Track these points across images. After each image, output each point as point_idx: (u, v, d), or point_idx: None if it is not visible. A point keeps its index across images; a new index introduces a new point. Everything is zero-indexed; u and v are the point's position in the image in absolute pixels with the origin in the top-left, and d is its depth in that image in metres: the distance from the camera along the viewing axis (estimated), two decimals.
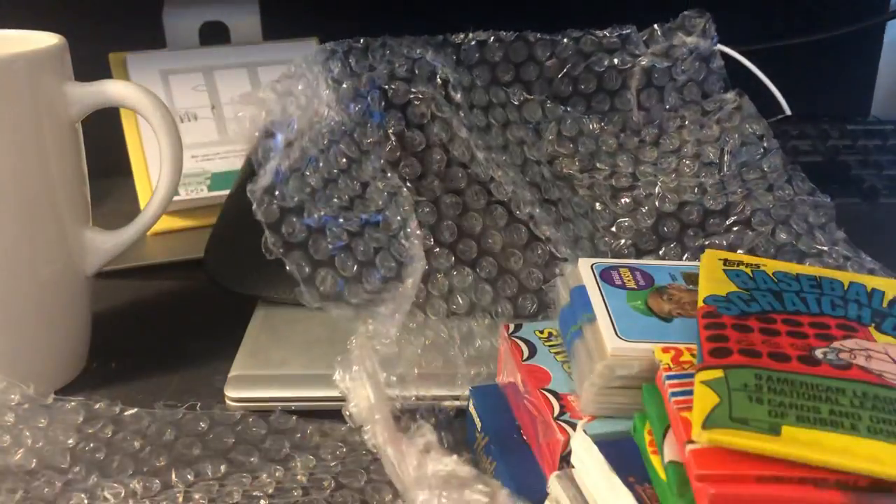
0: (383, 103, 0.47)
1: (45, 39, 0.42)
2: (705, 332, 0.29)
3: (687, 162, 0.52)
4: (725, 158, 0.51)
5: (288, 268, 0.46)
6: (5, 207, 0.40)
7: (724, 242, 0.48)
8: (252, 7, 0.68)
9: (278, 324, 0.46)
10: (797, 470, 0.23)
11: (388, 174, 0.46)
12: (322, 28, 0.63)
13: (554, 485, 0.29)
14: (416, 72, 0.48)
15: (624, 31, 0.53)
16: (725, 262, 0.34)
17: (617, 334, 0.31)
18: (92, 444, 0.37)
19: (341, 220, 0.46)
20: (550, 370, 0.34)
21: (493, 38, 0.52)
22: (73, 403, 0.39)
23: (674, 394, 0.27)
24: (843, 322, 0.30)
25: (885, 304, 0.31)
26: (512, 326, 0.38)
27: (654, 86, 0.54)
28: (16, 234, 0.41)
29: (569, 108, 0.53)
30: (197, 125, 0.61)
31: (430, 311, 0.45)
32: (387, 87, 0.47)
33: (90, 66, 0.48)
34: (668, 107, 0.54)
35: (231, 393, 0.41)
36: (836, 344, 0.28)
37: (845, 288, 0.32)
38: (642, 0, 0.59)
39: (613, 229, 0.49)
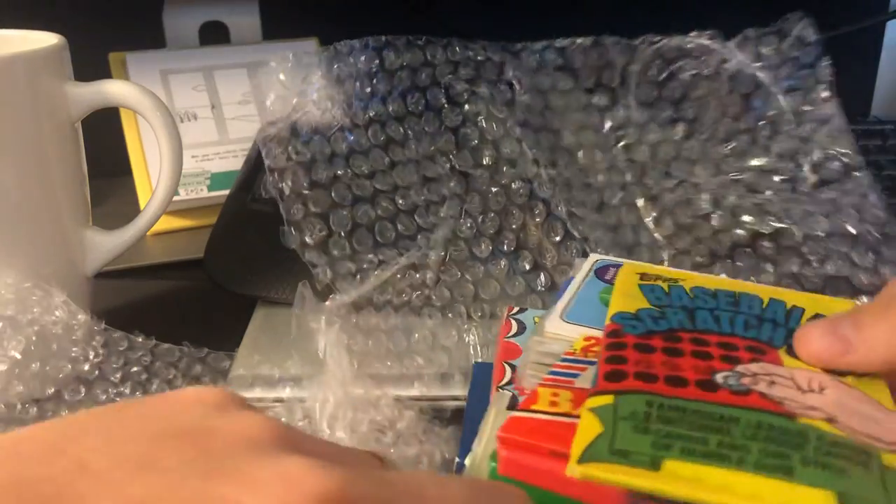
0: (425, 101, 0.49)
1: (45, 39, 0.42)
2: (605, 353, 0.28)
3: (760, 175, 0.50)
4: (801, 175, 0.49)
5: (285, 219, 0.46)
6: (5, 207, 0.40)
7: (771, 268, 0.46)
8: (252, 7, 0.68)
9: (278, 324, 0.46)
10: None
11: (435, 161, 0.48)
12: (322, 28, 0.63)
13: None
14: (480, 72, 0.49)
15: (703, 37, 0.51)
16: (643, 276, 0.33)
17: (562, 317, 0.32)
18: None
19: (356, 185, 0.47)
20: (524, 348, 0.35)
21: (571, 43, 0.51)
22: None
23: (552, 372, 0.28)
24: (753, 344, 0.29)
25: (803, 322, 0.30)
26: (516, 308, 0.39)
27: (743, 93, 0.52)
28: (15, 234, 0.41)
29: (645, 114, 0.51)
30: (197, 125, 0.61)
31: (457, 292, 0.45)
32: (448, 84, 0.49)
33: (90, 66, 0.48)
34: (758, 115, 0.51)
35: None
36: (740, 367, 0.27)
37: (763, 306, 0.31)
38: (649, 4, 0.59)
39: (662, 238, 0.48)
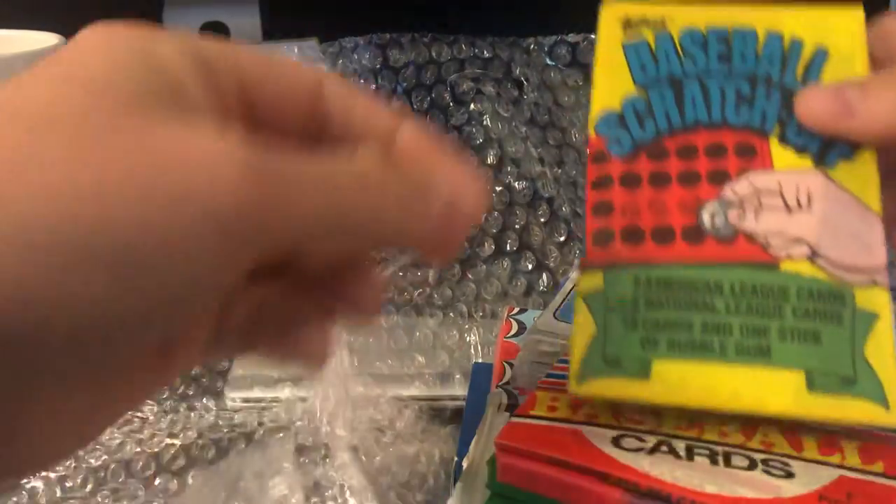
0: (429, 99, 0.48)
1: (45, 39, 0.42)
2: (593, 196, 0.27)
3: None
4: None
5: None
6: None
7: None
8: (252, 7, 0.68)
9: None
10: (587, 459, 0.23)
11: None
12: (322, 28, 0.63)
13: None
14: (487, 70, 0.48)
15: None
16: (626, 24, 0.29)
17: (554, 314, 0.32)
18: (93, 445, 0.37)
19: None
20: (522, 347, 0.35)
21: (584, 40, 0.51)
22: None
23: (550, 374, 0.28)
24: (743, 138, 0.27)
25: (799, 73, 0.27)
26: (516, 309, 0.39)
27: None
28: None
29: None
30: None
31: (458, 291, 0.45)
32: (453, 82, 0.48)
33: None
34: None
35: (231, 393, 0.41)
36: (727, 192, 0.26)
37: (760, 44, 0.27)
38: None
39: None
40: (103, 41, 0.19)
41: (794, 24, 0.27)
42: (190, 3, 0.66)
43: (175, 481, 0.36)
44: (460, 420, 0.39)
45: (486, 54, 0.50)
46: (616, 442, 0.24)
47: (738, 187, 0.26)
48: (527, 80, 0.50)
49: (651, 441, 0.24)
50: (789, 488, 0.22)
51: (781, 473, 0.23)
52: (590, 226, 0.26)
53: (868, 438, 0.25)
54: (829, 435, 0.25)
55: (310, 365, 0.24)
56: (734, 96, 0.27)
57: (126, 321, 0.17)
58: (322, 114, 0.22)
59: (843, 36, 0.27)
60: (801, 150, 0.26)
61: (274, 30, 0.67)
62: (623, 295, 0.25)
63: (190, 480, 0.36)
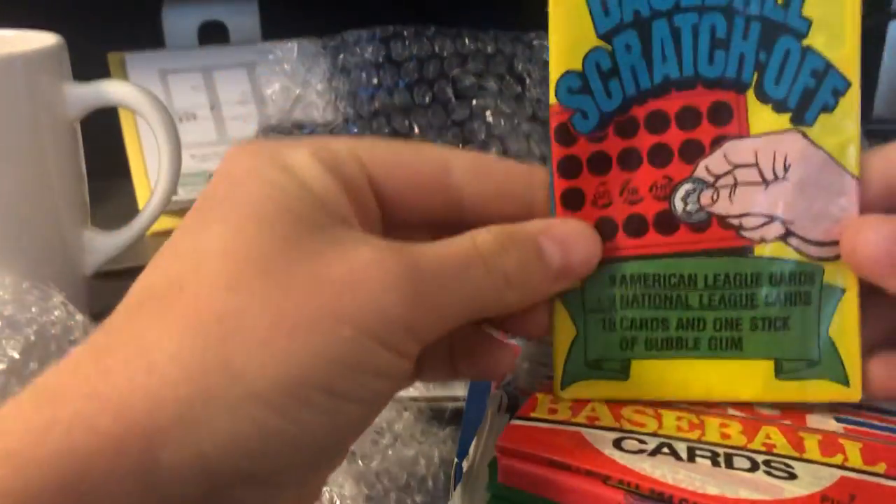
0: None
1: (44, 39, 0.42)
2: (561, 185, 0.25)
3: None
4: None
5: None
6: (4, 208, 0.40)
7: None
8: (251, 7, 0.67)
9: None
10: (588, 461, 0.23)
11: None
12: (322, 28, 0.63)
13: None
14: (490, 66, 0.49)
15: None
16: None
17: None
18: None
19: None
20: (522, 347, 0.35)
21: None
22: None
23: (550, 376, 0.27)
24: (718, 97, 0.24)
25: None
26: None
27: None
28: (14, 235, 0.40)
29: None
30: (196, 125, 0.61)
31: None
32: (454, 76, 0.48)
33: (89, 66, 0.48)
34: None
35: None
36: (699, 171, 0.25)
37: None
38: None
39: None
40: (249, 169, 0.21)
41: None
42: (189, 3, 0.66)
43: None
44: (460, 421, 0.39)
45: (490, 50, 0.50)
46: (617, 444, 0.24)
47: (712, 163, 0.25)
48: (529, 75, 0.50)
49: (652, 443, 0.24)
50: (791, 489, 0.22)
51: (783, 474, 0.22)
52: (559, 212, 0.25)
53: (870, 439, 0.24)
54: (831, 435, 0.24)
55: (497, 375, 0.28)
56: (708, 38, 0.24)
57: (330, 449, 0.21)
58: (455, 188, 0.24)
59: None
60: (779, 105, 0.24)
61: (273, 30, 0.67)
62: (600, 294, 0.25)
63: None
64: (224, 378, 0.18)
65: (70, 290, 0.43)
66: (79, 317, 0.40)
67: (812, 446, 0.24)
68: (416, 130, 0.48)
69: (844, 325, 0.25)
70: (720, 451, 0.24)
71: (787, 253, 0.25)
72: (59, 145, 0.42)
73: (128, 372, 0.18)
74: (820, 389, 0.25)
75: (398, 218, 0.24)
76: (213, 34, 0.67)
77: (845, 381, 0.25)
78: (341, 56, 0.48)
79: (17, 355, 0.38)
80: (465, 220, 0.24)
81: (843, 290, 0.25)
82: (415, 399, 0.39)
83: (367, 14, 0.72)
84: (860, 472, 0.23)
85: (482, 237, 0.22)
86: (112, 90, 0.43)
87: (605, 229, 0.25)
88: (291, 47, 0.48)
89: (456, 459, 0.32)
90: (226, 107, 0.62)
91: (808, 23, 0.24)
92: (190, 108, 0.61)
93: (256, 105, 0.61)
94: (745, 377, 0.25)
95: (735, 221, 0.25)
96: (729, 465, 0.23)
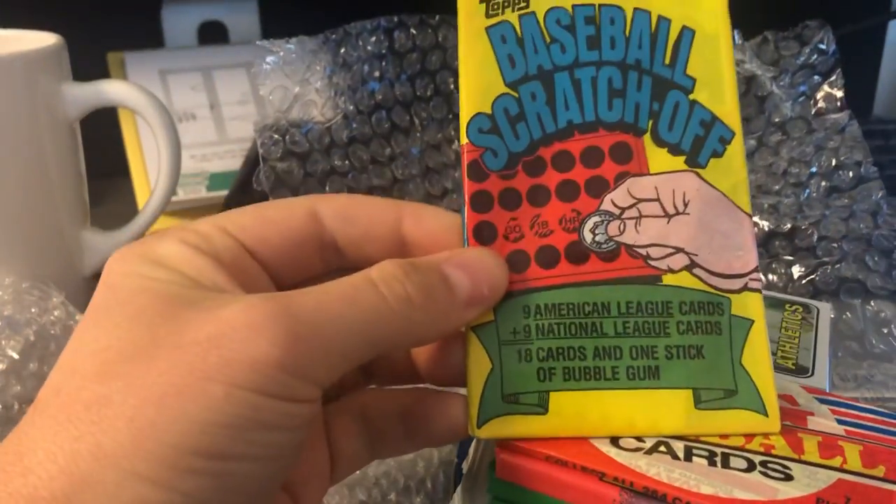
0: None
1: (43, 39, 0.42)
2: (474, 218, 0.25)
3: (774, 179, 0.49)
4: (813, 181, 0.48)
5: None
6: (3, 207, 0.40)
7: (783, 270, 0.46)
8: (251, 6, 0.68)
9: None
10: (584, 458, 0.23)
11: (440, 150, 0.48)
12: (321, 28, 0.63)
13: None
14: None
15: None
16: (489, 5, 0.26)
17: None
18: None
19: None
20: None
21: None
22: None
23: None
24: (618, 139, 0.26)
25: (668, 58, 0.26)
26: None
27: (757, 96, 0.51)
28: (14, 234, 0.41)
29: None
30: (195, 125, 0.61)
31: None
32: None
33: (88, 66, 0.48)
34: (771, 119, 0.51)
35: None
36: (605, 204, 0.25)
37: (628, 23, 0.26)
38: None
39: None
40: (123, 273, 0.22)
41: (660, 1, 0.26)
42: (188, 3, 0.66)
43: None
44: None
45: None
46: (614, 441, 0.24)
47: (617, 197, 0.26)
48: None
49: (650, 441, 0.24)
50: (787, 491, 0.22)
51: (780, 476, 0.22)
52: (471, 244, 0.25)
53: (871, 442, 0.24)
54: (832, 437, 0.24)
55: (450, 439, 0.27)
56: (606, 88, 0.26)
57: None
58: (328, 234, 0.24)
59: (707, 14, 0.26)
60: (674, 149, 0.26)
61: (273, 29, 0.67)
62: (515, 325, 0.25)
63: None
64: (98, 462, 0.18)
65: (70, 290, 0.44)
66: (79, 317, 0.40)
67: (811, 448, 0.24)
68: (417, 123, 0.48)
69: (756, 355, 0.25)
70: (717, 450, 0.24)
71: (695, 283, 0.25)
72: (58, 145, 0.42)
73: (5, 480, 0.18)
74: (739, 420, 0.25)
75: (286, 276, 0.24)
76: (212, 34, 0.67)
77: (763, 411, 0.25)
78: (342, 50, 0.48)
79: (16, 355, 0.38)
80: (357, 266, 0.23)
81: (751, 322, 0.25)
82: None
83: (367, 15, 0.72)
84: (858, 475, 0.23)
85: (380, 266, 0.22)
86: (112, 90, 0.43)
87: (517, 262, 0.25)
88: (290, 45, 0.48)
89: (456, 461, 0.32)
90: (225, 107, 0.62)
91: (693, 80, 0.26)
92: (189, 108, 0.61)
93: (256, 105, 0.61)
94: (666, 407, 0.24)
95: (643, 251, 0.25)
96: (725, 464, 0.23)
